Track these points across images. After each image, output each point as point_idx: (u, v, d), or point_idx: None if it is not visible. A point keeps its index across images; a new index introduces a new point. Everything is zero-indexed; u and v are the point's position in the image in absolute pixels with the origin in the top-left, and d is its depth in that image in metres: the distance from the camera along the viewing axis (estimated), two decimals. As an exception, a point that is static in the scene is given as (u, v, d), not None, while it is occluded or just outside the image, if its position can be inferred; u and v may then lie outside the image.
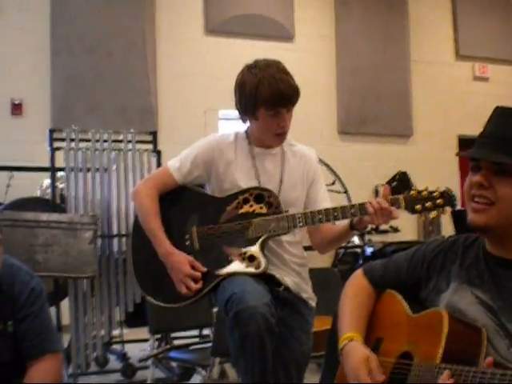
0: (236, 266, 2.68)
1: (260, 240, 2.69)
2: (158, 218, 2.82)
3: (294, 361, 2.83)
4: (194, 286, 2.67)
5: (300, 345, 2.83)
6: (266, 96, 2.71)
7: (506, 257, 1.81)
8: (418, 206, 2.54)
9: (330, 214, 2.64)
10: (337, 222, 2.81)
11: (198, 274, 2.69)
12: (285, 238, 2.79)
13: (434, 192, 2.54)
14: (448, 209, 2.56)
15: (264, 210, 2.73)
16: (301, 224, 2.67)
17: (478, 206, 1.77)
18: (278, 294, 2.78)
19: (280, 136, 2.83)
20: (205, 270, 2.70)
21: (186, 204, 2.88)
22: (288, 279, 2.80)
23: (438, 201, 2.53)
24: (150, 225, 2.82)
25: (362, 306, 2.10)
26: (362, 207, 2.59)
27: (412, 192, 2.56)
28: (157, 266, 2.83)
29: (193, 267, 2.69)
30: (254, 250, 2.68)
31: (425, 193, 2.55)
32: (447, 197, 2.53)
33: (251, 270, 2.65)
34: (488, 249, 1.87)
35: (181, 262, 2.71)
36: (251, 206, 2.75)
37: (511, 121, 1.79)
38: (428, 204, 2.53)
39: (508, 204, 1.74)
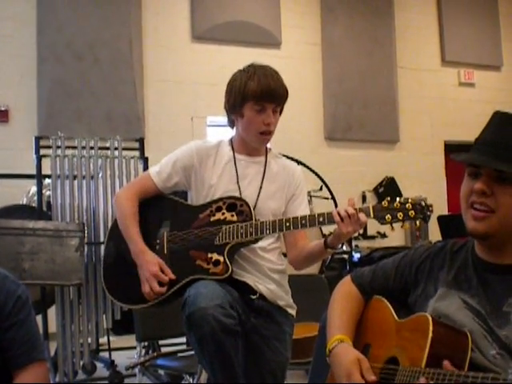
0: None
1: (228, 246, 2.69)
2: (135, 219, 2.85)
3: (270, 372, 2.79)
4: (158, 288, 2.68)
5: (275, 355, 2.80)
6: (255, 89, 2.75)
7: (497, 262, 1.82)
8: (388, 216, 2.50)
9: (298, 222, 2.63)
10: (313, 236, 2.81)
11: (165, 278, 2.69)
12: (258, 244, 2.78)
13: (406, 203, 2.50)
14: (421, 221, 2.54)
15: (235, 218, 2.74)
16: (268, 231, 2.66)
17: (478, 214, 1.77)
18: (253, 302, 2.77)
19: (264, 135, 2.83)
20: (173, 277, 2.71)
21: (161, 211, 2.92)
22: (262, 286, 2.79)
23: (410, 212, 2.48)
24: (126, 225, 2.85)
25: (350, 311, 2.09)
26: (330, 216, 2.57)
27: (384, 202, 2.53)
28: (124, 268, 2.86)
29: (162, 271, 2.71)
30: (220, 255, 2.68)
31: (397, 204, 2.50)
32: (419, 209, 2.48)
33: (215, 275, 2.66)
34: (478, 254, 1.87)
35: (150, 262, 2.73)
36: (223, 213, 2.76)
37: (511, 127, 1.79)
38: (399, 214, 2.49)
39: (508, 212, 1.75)
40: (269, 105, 2.78)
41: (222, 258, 2.67)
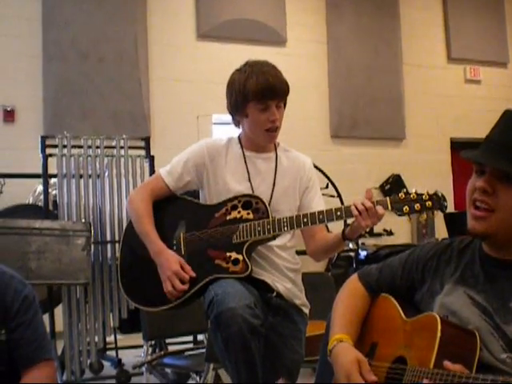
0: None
1: (246, 244, 2.67)
2: (151, 219, 2.83)
3: (285, 369, 2.79)
4: (180, 286, 2.66)
5: (292, 353, 2.80)
6: (255, 89, 2.73)
7: (504, 257, 1.81)
8: (406, 208, 2.50)
9: (316, 217, 2.62)
10: (331, 228, 2.80)
11: (186, 275, 2.67)
12: (275, 242, 2.77)
13: (422, 194, 2.51)
14: (437, 211, 2.55)
15: (251, 216, 2.72)
16: (286, 228, 2.65)
17: (478, 213, 1.77)
18: (270, 301, 2.77)
19: (270, 132, 2.82)
20: (194, 274, 2.68)
21: (175, 212, 2.89)
22: (280, 285, 2.79)
23: (427, 203, 2.50)
24: (142, 226, 2.83)
25: (354, 309, 2.09)
26: (347, 210, 2.57)
27: (400, 194, 2.53)
28: (142, 270, 2.85)
29: (182, 268, 2.69)
30: (239, 253, 2.67)
31: (413, 195, 2.51)
32: (436, 199, 2.50)
33: (235, 273, 2.64)
34: (485, 250, 1.87)
35: (170, 260, 2.70)
36: (239, 212, 2.74)
37: None
38: (417, 205, 2.50)
39: (508, 212, 1.74)
40: (271, 102, 2.76)
41: (241, 257, 2.65)
